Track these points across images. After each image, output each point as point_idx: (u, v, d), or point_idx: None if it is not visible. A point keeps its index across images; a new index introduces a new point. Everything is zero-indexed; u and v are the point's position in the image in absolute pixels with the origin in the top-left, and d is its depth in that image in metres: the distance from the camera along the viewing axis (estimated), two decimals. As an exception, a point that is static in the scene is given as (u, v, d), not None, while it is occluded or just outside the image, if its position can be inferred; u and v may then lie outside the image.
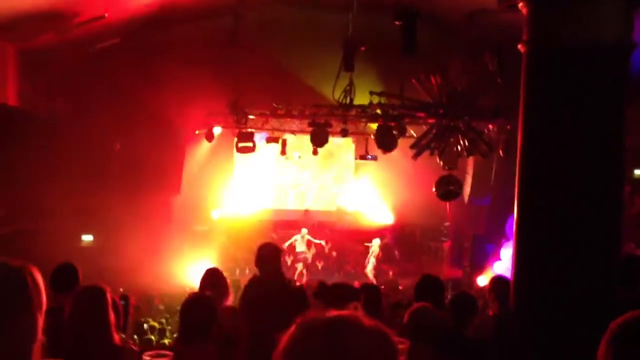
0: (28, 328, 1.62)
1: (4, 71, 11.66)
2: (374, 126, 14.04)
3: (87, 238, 14.88)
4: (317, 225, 20.70)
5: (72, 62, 13.39)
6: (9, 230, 12.48)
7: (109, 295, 3.51)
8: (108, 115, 13.68)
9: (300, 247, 18.68)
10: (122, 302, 4.29)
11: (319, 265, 19.29)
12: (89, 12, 11.04)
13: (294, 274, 18.03)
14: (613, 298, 4.41)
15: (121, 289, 12.12)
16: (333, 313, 1.44)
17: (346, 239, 19.75)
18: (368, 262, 18.89)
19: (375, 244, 18.92)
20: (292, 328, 1.44)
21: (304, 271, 18.58)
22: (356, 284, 8.29)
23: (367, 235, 20.28)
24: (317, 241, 19.03)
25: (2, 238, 11.95)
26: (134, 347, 3.68)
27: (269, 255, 5.44)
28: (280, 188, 21.46)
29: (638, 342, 1.73)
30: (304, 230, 18.95)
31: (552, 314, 4.58)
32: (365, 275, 18.40)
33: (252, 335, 5.03)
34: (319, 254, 19.34)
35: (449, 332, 4.11)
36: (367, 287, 5.85)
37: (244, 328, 5.26)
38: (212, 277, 5.23)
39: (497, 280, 5.57)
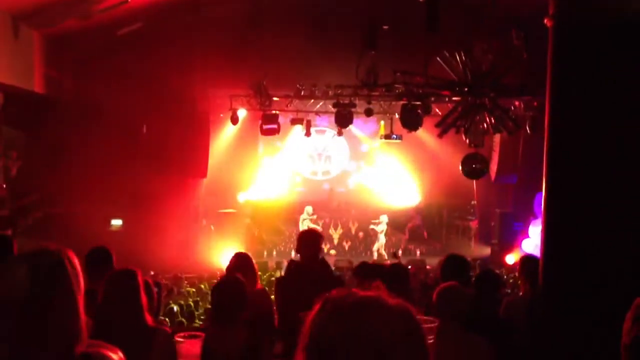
0: (71, 308, 1.66)
1: (30, 58, 11.78)
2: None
3: (117, 222, 15.07)
4: (344, 205, 20.73)
5: (97, 47, 13.49)
6: (40, 214, 12.69)
7: (141, 278, 3.56)
8: (134, 99, 13.78)
9: (304, 227, 18.50)
10: (155, 289, 4.33)
11: (346, 245, 19.35)
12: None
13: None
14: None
15: (152, 272, 12.31)
16: (357, 292, 1.45)
17: (373, 219, 19.73)
18: (378, 240, 18.80)
19: (383, 221, 18.79)
20: (317, 307, 1.45)
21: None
22: (387, 263, 8.29)
23: (392, 215, 20.28)
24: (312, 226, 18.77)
25: (33, 223, 12.17)
26: (166, 329, 3.73)
27: (307, 241, 5.48)
28: (305, 169, 21.51)
29: None
30: (309, 209, 18.80)
31: (582, 294, 4.54)
32: (379, 254, 18.35)
33: (284, 317, 5.06)
34: (346, 234, 19.38)
35: (478, 310, 4.10)
36: (396, 266, 5.84)
37: (277, 309, 5.32)
38: (241, 262, 5.25)
39: (527, 260, 5.48)
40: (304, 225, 18.30)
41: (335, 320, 1.40)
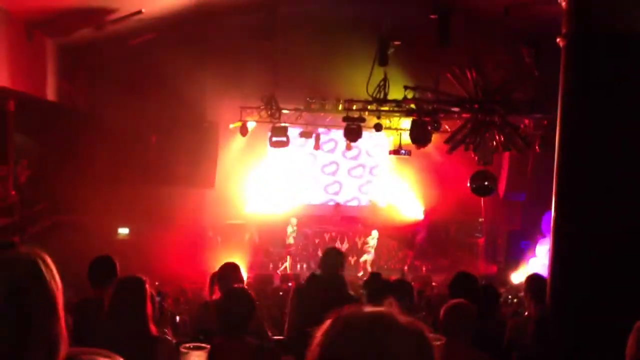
0: (50, 311, 1.64)
1: (43, 66, 11.86)
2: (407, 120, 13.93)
3: (124, 231, 15.08)
4: (349, 219, 20.69)
5: (110, 57, 13.57)
6: (48, 222, 12.72)
7: (148, 287, 3.56)
8: (144, 109, 13.85)
9: (291, 239, 18.48)
10: (157, 298, 4.34)
11: (352, 260, 19.27)
12: (126, 8, 11.17)
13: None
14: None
15: (157, 283, 12.29)
16: (370, 309, 1.44)
17: (379, 234, 19.64)
18: (369, 254, 18.67)
19: (374, 236, 18.69)
20: (329, 322, 1.44)
21: (287, 265, 18.34)
22: (391, 278, 8.26)
23: (399, 230, 20.19)
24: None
25: (41, 230, 12.19)
26: (170, 339, 3.72)
27: (330, 257, 5.63)
28: (313, 183, 21.49)
29: None
30: (294, 220, 18.77)
31: (591, 314, 4.50)
32: (365, 269, 18.27)
33: (295, 330, 5.07)
34: (352, 248, 19.31)
35: (485, 328, 4.07)
36: (400, 282, 5.81)
37: (289, 319, 5.36)
38: (229, 271, 5.30)
39: (533, 279, 5.40)
40: (290, 237, 18.37)
41: (347, 337, 1.39)
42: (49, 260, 1.68)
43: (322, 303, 5.10)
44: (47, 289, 1.64)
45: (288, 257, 18.47)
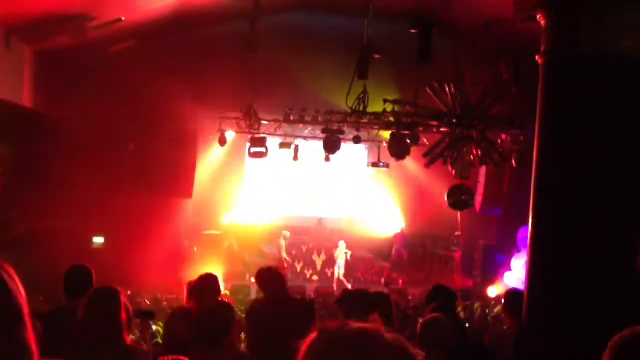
0: (16, 323, 1.61)
1: (20, 73, 11.74)
2: (386, 134, 13.98)
3: (99, 240, 14.91)
4: (328, 232, 20.70)
5: (88, 64, 13.46)
6: (22, 230, 12.54)
7: (122, 297, 3.53)
8: (122, 116, 13.73)
9: (284, 253, 18.36)
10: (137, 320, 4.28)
11: (329, 272, 19.23)
12: (106, 15, 11.10)
13: None
14: (631, 311, 4.35)
15: (129, 292, 12.15)
16: (355, 324, 1.44)
17: (356, 247, 19.64)
18: (339, 268, 18.51)
19: (342, 247, 18.59)
20: (314, 336, 1.43)
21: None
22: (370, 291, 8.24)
23: (377, 244, 20.23)
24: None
25: (15, 238, 12.01)
26: (145, 350, 3.67)
27: (270, 278, 5.37)
28: (291, 194, 21.48)
29: (634, 359, 1.75)
30: (287, 234, 18.62)
31: (567, 326, 4.53)
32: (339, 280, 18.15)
33: (257, 349, 4.98)
34: (329, 261, 19.27)
35: (464, 342, 4.08)
36: (379, 295, 5.80)
37: (249, 343, 5.27)
38: (208, 285, 5.25)
39: (512, 294, 5.53)
40: (283, 250, 18.24)
41: (332, 352, 1.38)
42: (13, 273, 1.65)
43: (274, 321, 5.03)
44: (12, 302, 1.60)
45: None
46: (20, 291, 1.64)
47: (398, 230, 20.19)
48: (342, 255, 18.42)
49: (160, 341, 9.34)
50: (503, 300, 5.72)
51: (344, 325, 1.43)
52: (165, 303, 13.41)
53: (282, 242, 18.40)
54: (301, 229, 20.10)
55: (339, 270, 18.44)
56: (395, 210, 21.01)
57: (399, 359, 1.41)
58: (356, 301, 5.08)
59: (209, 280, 5.39)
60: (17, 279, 1.65)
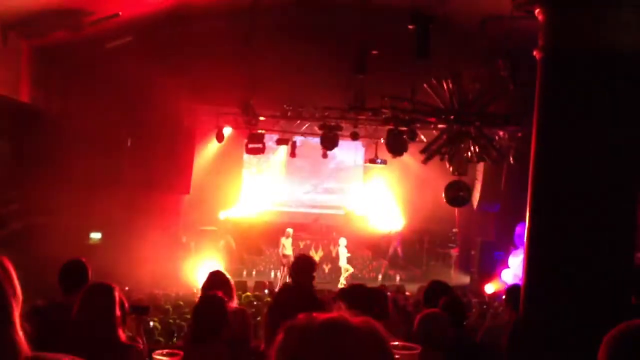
0: (5, 316, 1.59)
1: (17, 68, 11.70)
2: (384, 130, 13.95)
3: (96, 236, 14.90)
4: (325, 228, 20.69)
5: (85, 59, 13.42)
6: (19, 224, 12.53)
7: (117, 294, 3.52)
8: (120, 112, 13.71)
9: (288, 249, 18.06)
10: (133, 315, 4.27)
11: (326, 268, 19.24)
12: (103, 10, 11.07)
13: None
14: (626, 306, 4.36)
15: (126, 287, 12.15)
16: (321, 316, 1.46)
17: (353, 243, 19.65)
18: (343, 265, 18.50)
19: (342, 244, 18.58)
20: (282, 335, 1.45)
21: (284, 274, 17.55)
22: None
23: (373, 240, 20.21)
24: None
25: (12, 233, 12.00)
26: (140, 346, 3.67)
27: (303, 267, 5.75)
28: (288, 190, 21.47)
29: (630, 353, 1.76)
30: (290, 230, 18.45)
31: (563, 322, 4.54)
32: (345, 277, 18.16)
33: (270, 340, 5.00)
34: (326, 256, 19.28)
35: (460, 337, 4.08)
36: (375, 291, 5.80)
37: (265, 331, 5.34)
38: (216, 280, 5.22)
39: (513, 289, 5.63)
40: (287, 247, 18.15)
41: (304, 346, 1.40)
42: (8, 266, 1.64)
43: (295, 312, 5.08)
44: (2, 295, 1.59)
45: (283, 267, 17.72)
46: (12, 282, 1.63)
47: (395, 227, 20.20)
48: (343, 252, 18.42)
49: (161, 339, 9.36)
50: (504, 295, 5.85)
51: (310, 319, 1.45)
52: (161, 300, 13.42)
53: (284, 241, 18.21)
54: (298, 225, 20.09)
55: (343, 265, 18.34)
56: (392, 207, 21.00)
57: (371, 341, 1.43)
58: (353, 297, 5.10)
59: (217, 275, 5.40)
60: (11, 270, 1.64)
